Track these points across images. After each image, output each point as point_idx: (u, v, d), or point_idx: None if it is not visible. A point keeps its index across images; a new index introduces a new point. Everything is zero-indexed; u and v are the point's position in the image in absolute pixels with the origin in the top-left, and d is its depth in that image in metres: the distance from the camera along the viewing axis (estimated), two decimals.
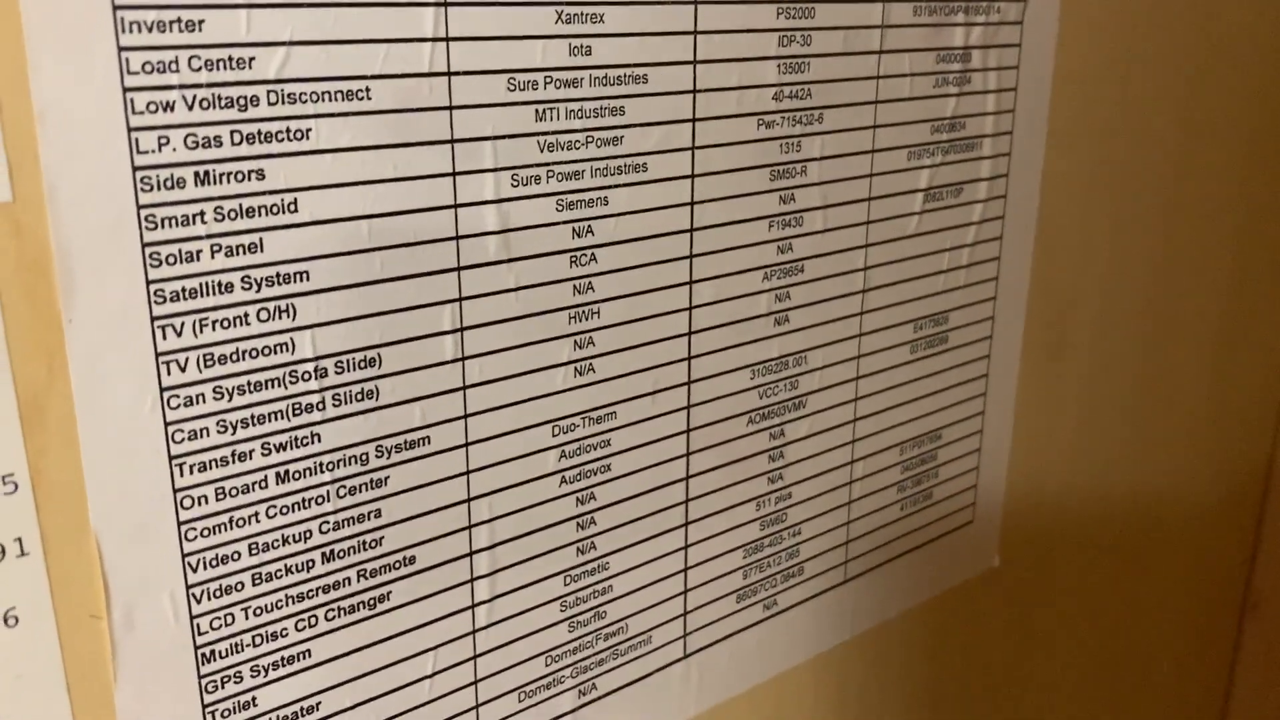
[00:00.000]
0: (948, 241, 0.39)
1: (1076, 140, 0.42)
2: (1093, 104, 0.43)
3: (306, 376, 0.25)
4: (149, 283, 0.22)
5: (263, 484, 0.25)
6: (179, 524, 0.24)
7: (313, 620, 0.26)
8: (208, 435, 0.23)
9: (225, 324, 0.23)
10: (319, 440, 0.25)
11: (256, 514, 0.25)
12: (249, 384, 0.24)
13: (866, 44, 0.34)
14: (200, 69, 0.22)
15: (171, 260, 0.22)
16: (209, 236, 0.23)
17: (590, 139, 0.28)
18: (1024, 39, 0.38)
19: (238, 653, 0.25)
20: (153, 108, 0.21)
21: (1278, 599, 0.65)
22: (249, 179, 0.23)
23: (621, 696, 0.33)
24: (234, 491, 0.24)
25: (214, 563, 0.24)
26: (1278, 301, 0.58)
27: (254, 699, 0.26)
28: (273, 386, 0.24)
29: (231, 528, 0.24)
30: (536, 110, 0.27)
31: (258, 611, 0.25)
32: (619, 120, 0.28)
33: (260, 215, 0.23)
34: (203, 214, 0.22)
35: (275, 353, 0.24)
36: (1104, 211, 0.45)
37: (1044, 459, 0.47)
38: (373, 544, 0.27)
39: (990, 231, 0.40)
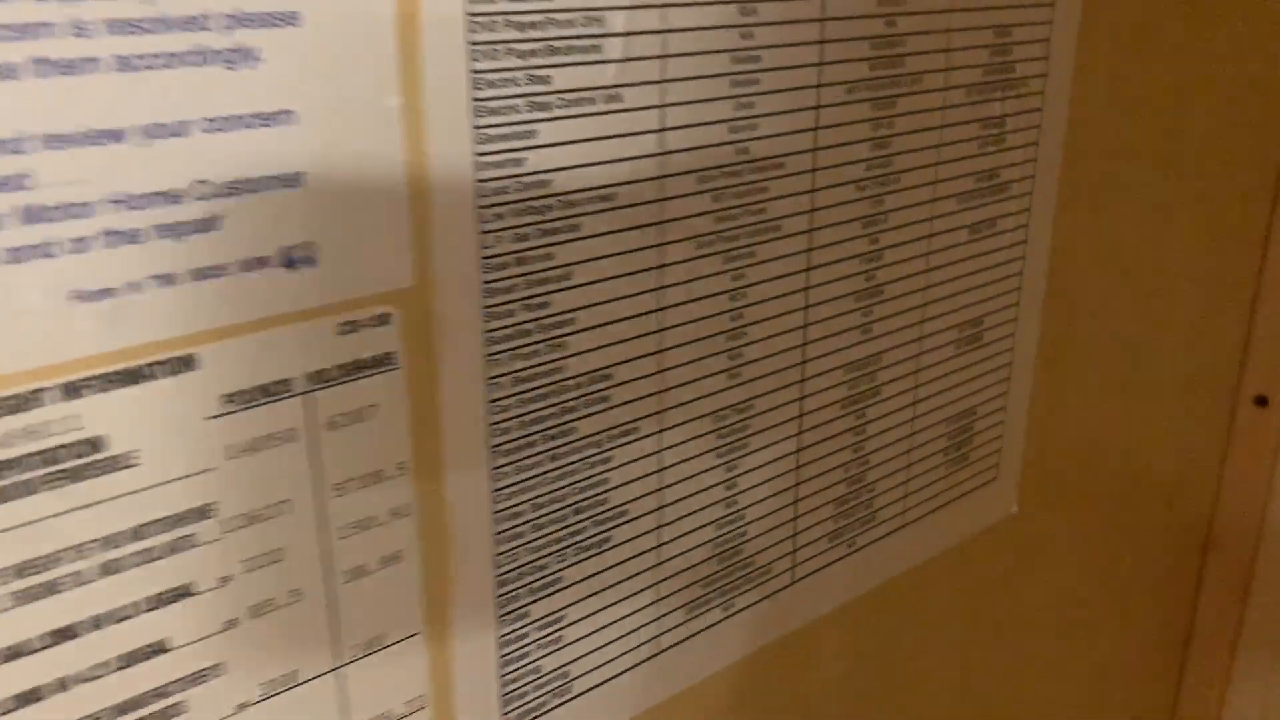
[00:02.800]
0: (985, 262, 0.50)
1: (1081, 188, 0.53)
2: (1100, 159, 0.54)
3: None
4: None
5: None
6: None
7: None
8: None
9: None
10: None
11: None
12: None
13: (927, 123, 0.44)
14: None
15: None
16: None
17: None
18: (1042, 128, 0.49)
19: None
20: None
21: (1234, 538, 0.77)
22: None
23: (748, 613, 0.45)
24: None
25: None
26: (1236, 316, 0.70)
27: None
28: None
29: None
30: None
31: None
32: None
33: None
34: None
35: None
36: (1100, 248, 0.57)
37: (1050, 432, 0.58)
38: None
39: (1015, 252, 0.51)
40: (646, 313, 0.37)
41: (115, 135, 0.25)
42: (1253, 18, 0.61)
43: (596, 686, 0.40)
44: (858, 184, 0.42)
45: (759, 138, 0.38)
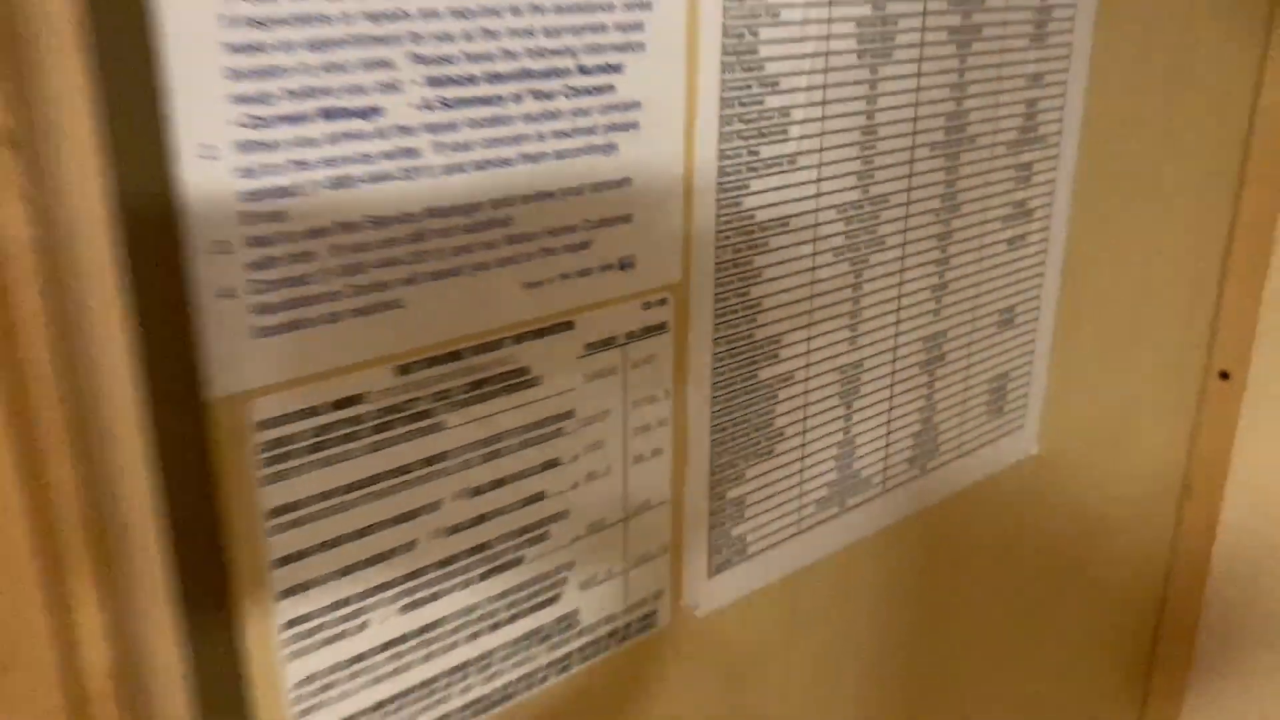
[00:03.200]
0: (1018, 266, 0.69)
1: (1086, 212, 0.73)
2: (1101, 190, 0.73)
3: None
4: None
5: None
6: None
7: None
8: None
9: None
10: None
11: None
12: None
13: (980, 169, 0.64)
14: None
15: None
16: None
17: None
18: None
19: None
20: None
21: (1202, 487, 0.96)
22: None
23: (861, 511, 0.64)
24: None
25: None
26: (1205, 304, 0.89)
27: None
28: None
29: None
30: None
31: None
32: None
33: None
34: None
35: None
36: (1100, 255, 0.76)
37: (1062, 392, 0.77)
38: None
39: (1038, 259, 0.70)
40: (801, 299, 0.57)
41: (550, 195, 0.44)
42: (1216, 76, 0.81)
43: (761, 552, 0.59)
44: (935, 212, 0.62)
45: (875, 183, 0.58)
